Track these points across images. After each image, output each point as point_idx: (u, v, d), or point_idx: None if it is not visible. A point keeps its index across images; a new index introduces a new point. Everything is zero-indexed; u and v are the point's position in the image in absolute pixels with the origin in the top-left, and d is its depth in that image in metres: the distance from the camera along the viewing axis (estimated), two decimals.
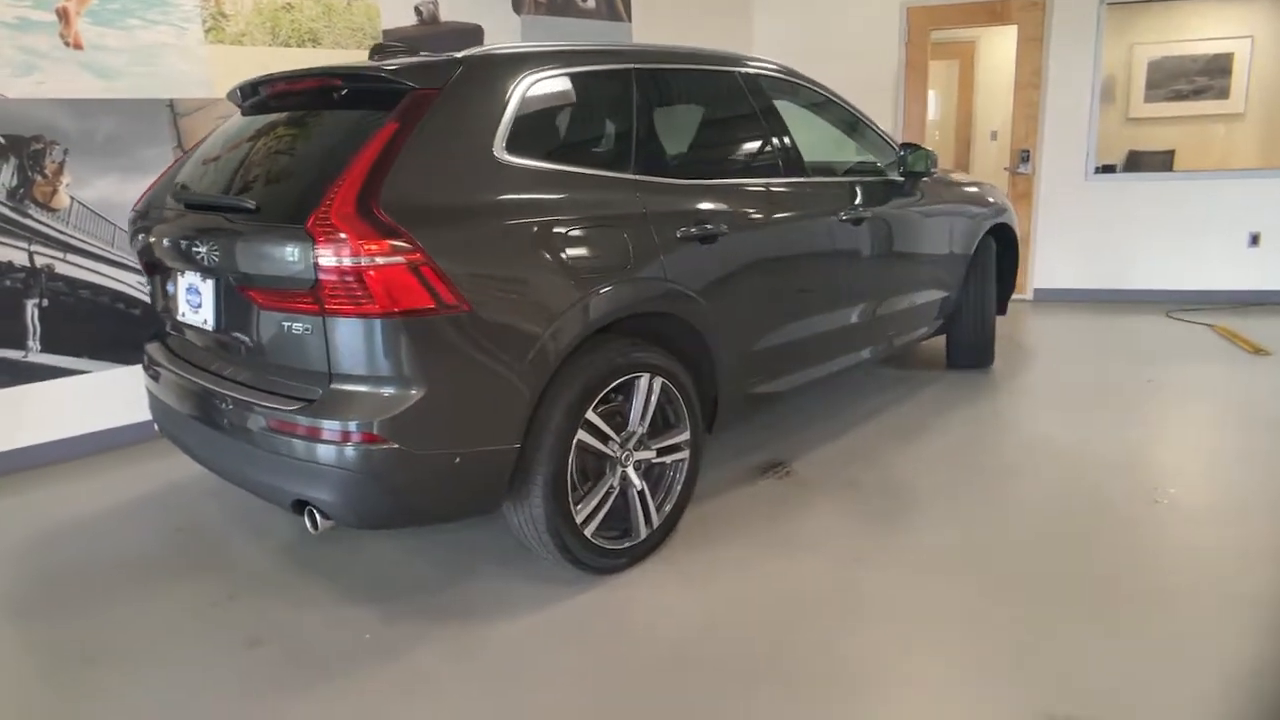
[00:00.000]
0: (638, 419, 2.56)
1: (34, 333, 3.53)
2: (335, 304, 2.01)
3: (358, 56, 3.90)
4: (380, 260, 1.97)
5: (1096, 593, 2.41)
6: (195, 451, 2.58)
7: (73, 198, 3.56)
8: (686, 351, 2.75)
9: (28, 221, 3.46)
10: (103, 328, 3.70)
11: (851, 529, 2.84)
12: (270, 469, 2.21)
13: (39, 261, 3.51)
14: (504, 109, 2.33)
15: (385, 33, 4.50)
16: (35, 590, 2.62)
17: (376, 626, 2.35)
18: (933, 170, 3.81)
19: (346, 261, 1.97)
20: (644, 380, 2.54)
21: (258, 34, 4.02)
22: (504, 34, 5.04)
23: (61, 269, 3.57)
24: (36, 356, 3.55)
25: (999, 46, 7.98)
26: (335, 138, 2.31)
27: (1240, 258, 5.98)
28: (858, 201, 3.43)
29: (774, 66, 3.37)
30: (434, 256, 2.03)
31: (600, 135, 2.72)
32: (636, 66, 2.76)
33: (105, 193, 3.63)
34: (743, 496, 3.10)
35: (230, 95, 2.80)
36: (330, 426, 2.06)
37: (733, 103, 3.13)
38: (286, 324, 2.14)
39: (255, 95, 2.71)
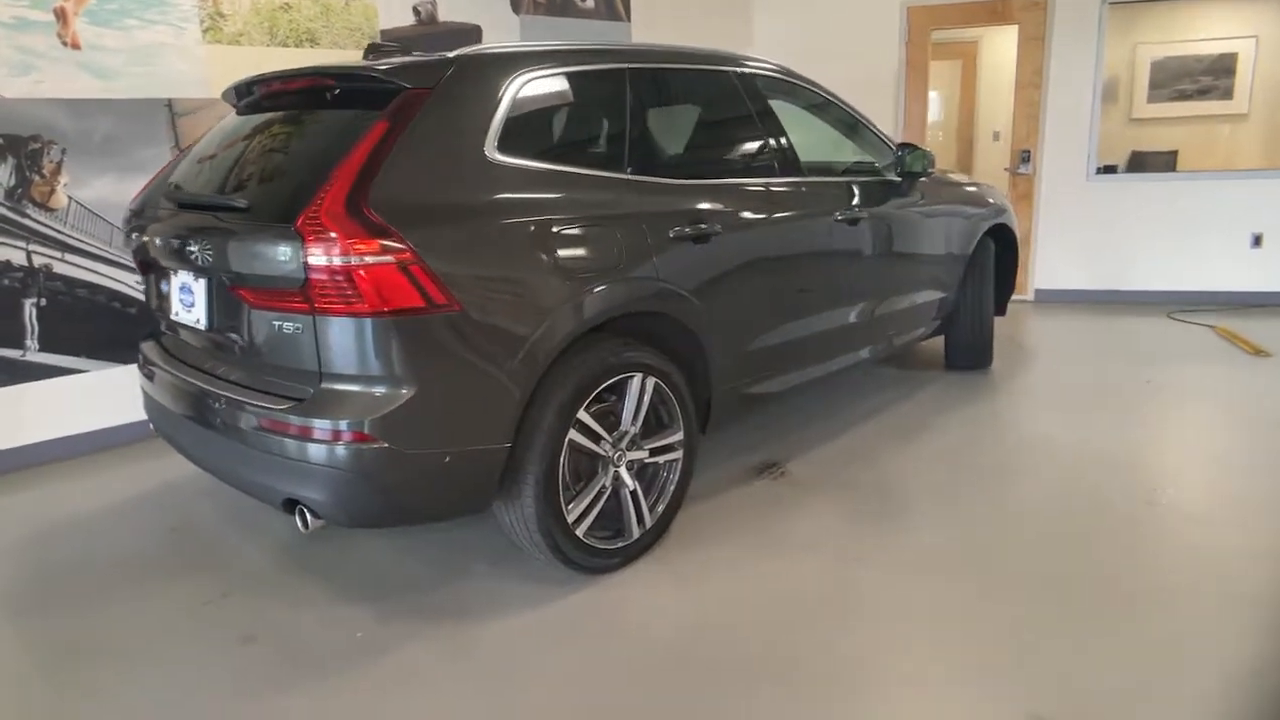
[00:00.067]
0: (630, 419, 2.55)
1: (32, 332, 3.54)
2: (325, 303, 2.02)
3: (355, 57, 3.90)
4: (370, 259, 1.97)
5: (1096, 593, 2.40)
6: (189, 450, 2.59)
7: (70, 197, 3.57)
8: (680, 351, 2.74)
9: (26, 221, 3.48)
10: (100, 327, 3.71)
11: (848, 529, 2.83)
12: (261, 468, 2.22)
13: (37, 261, 3.52)
14: (496, 109, 2.33)
15: (383, 33, 4.49)
16: (31, 588, 2.62)
17: (369, 625, 2.35)
18: (930, 170, 3.79)
19: (336, 261, 1.97)
20: (636, 380, 2.53)
21: (255, 34, 4.03)
22: (503, 34, 5.04)
23: (59, 268, 3.58)
24: (34, 355, 3.56)
25: (1002, 47, 7.95)
26: (327, 137, 2.31)
27: (1243, 259, 5.96)
28: (854, 202, 3.42)
29: (771, 66, 3.36)
30: (424, 256, 2.03)
31: (593, 135, 2.71)
32: (630, 66, 2.75)
33: (103, 192, 3.64)
34: (738, 497, 3.09)
35: (225, 95, 2.81)
36: (321, 426, 2.07)
37: (728, 103, 3.12)
38: (277, 323, 2.14)
39: (250, 95, 2.72)
